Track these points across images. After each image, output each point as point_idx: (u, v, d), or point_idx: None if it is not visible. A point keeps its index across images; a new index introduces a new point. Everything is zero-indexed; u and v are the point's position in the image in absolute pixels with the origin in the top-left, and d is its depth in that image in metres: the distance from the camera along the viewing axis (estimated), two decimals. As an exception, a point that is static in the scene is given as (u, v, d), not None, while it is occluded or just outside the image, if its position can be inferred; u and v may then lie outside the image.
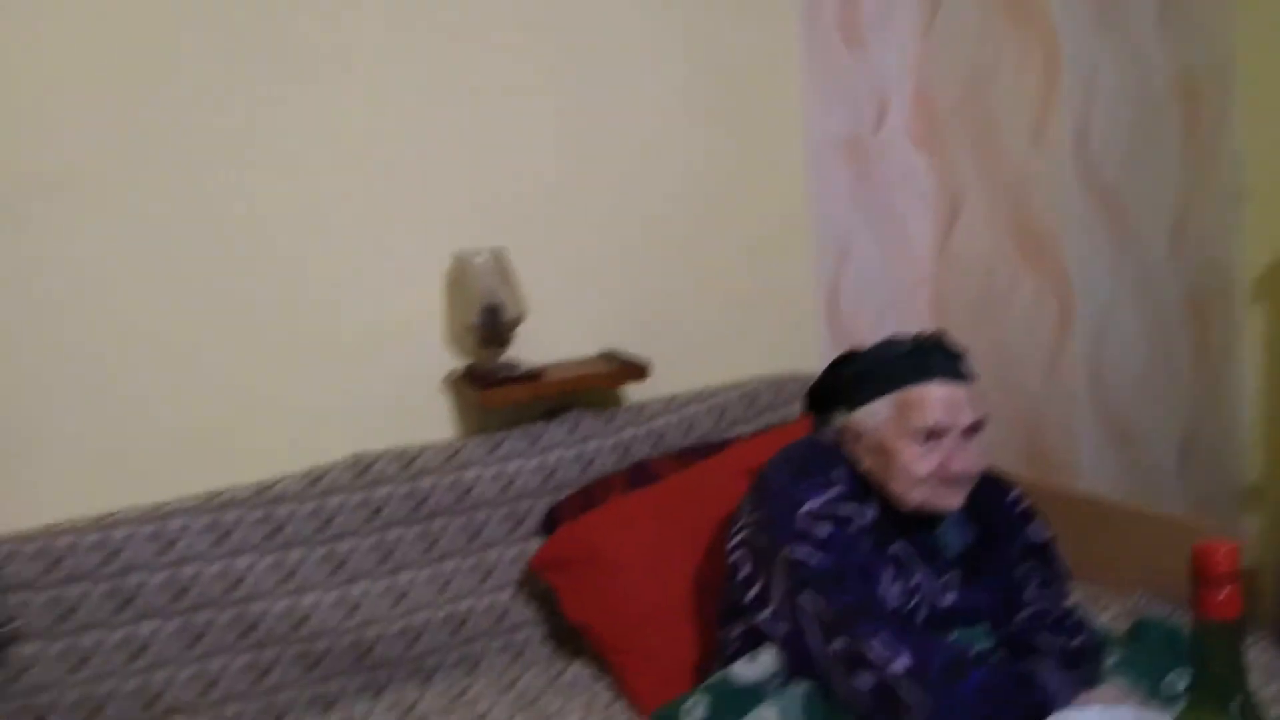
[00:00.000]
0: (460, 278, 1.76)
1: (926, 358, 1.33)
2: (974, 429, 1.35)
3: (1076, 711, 1.03)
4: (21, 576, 1.45)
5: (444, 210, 1.82)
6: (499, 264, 1.75)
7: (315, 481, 1.66)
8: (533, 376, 1.77)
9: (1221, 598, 0.71)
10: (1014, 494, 1.50)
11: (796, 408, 2.07)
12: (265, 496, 1.62)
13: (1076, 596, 1.52)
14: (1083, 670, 1.33)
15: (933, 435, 1.32)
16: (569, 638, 1.74)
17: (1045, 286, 2.11)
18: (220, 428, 1.67)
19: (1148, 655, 1.42)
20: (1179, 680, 1.35)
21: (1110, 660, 1.40)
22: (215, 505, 1.58)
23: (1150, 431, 2.20)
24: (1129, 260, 2.11)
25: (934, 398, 1.32)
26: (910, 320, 2.11)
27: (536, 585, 1.76)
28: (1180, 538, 1.77)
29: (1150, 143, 2.10)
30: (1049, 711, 1.16)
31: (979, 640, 1.35)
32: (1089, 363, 2.12)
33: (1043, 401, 2.13)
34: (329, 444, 1.72)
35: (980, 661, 1.25)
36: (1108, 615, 1.64)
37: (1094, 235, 2.08)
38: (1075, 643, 1.38)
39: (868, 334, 2.00)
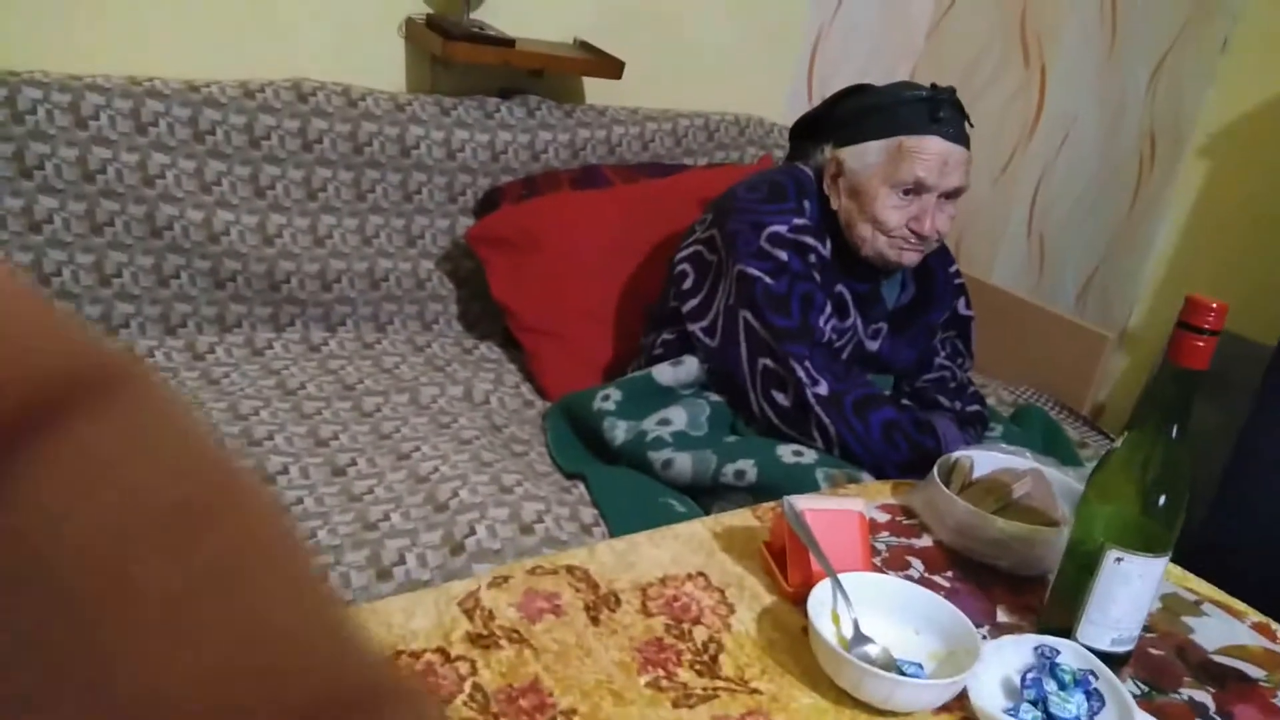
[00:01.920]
0: (447, -92, 1.58)
1: (937, 109, 1.29)
2: (954, 194, 1.34)
3: (977, 449, 1.10)
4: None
5: None
6: (493, -96, 1.58)
7: (251, 94, 1.53)
8: (505, 42, 1.64)
9: (1200, 345, 0.74)
10: (954, 266, 1.53)
11: (754, 151, 2.03)
12: (194, 97, 1.48)
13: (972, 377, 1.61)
14: (971, 433, 1.42)
15: (915, 190, 1.31)
16: (481, 321, 1.73)
17: (1028, 85, 2.08)
18: (155, 9, 1.50)
19: (1026, 437, 1.53)
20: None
21: (993, 433, 1.50)
22: (139, 91, 1.44)
23: (1064, 253, 2.28)
24: (1111, 83, 2.09)
25: (930, 152, 1.29)
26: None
27: (460, 261, 1.72)
28: (1078, 343, 1.91)
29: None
30: (939, 455, 1.24)
31: (885, 388, 1.42)
32: (1039, 171, 2.14)
33: (985, 196, 2.16)
34: (269, 62, 1.58)
35: (888, 403, 1.31)
36: (993, 400, 1.75)
37: (1089, 46, 2.05)
38: (970, 409, 1.47)
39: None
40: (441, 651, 0.73)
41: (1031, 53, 2.10)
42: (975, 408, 1.49)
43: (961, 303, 1.55)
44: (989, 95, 2.13)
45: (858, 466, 1.27)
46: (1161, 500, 0.80)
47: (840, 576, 0.83)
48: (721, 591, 0.87)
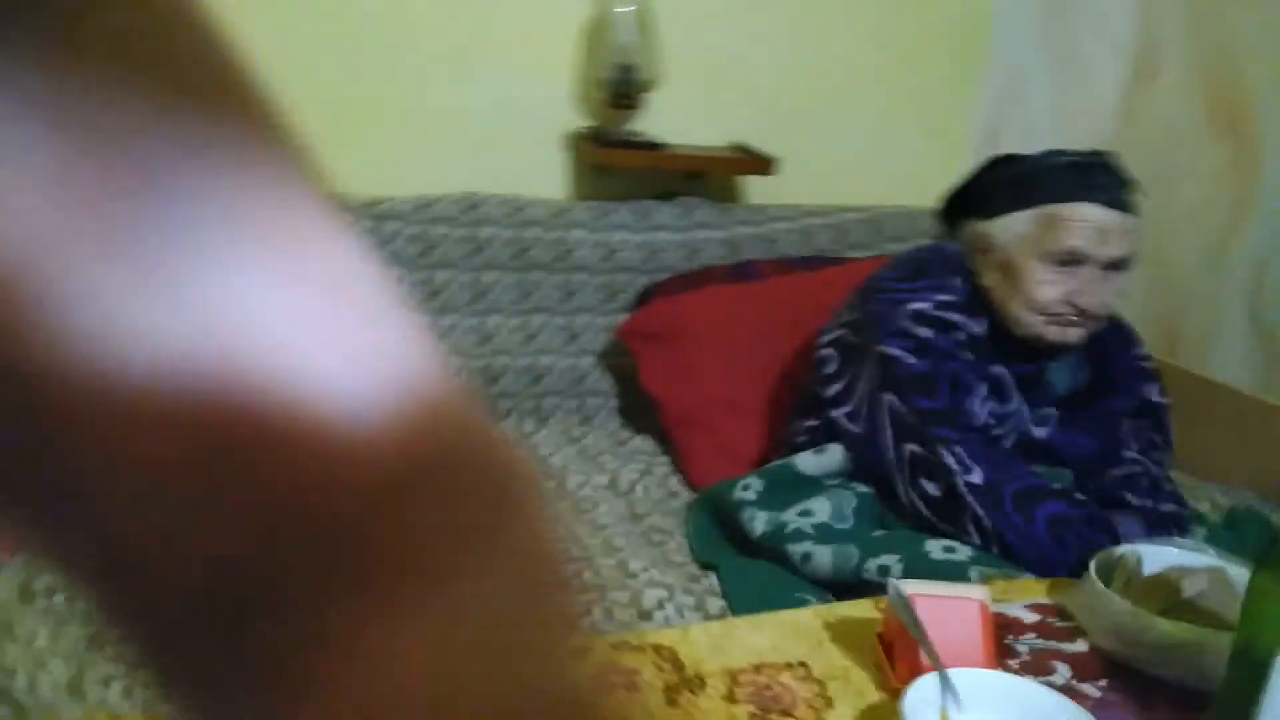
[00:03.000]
0: (599, 28, 1.69)
1: (1088, 174, 1.20)
2: (1117, 265, 1.23)
3: (1146, 544, 0.96)
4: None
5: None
6: (642, 19, 1.67)
7: (424, 207, 1.67)
8: (655, 146, 1.70)
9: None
10: (1141, 349, 1.39)
11: (927, 243, 1.96)
12: (373, 210, 1.63)
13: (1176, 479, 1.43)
14: (1164, 536, 1.25)
15: (1070, 261, 1.21)
16: (639, 415, 1.74)
17: (1230, 165, 1.90)
18: (336, 136, 1.68)
19: (1237, 541, 1.33)
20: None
21: (1194, 536, 1.31)
22: (326, 207, 1.61)
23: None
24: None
25: (1084, 218, 1.19)
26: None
27: (619, 359, 1.75)
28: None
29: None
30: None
31: (1060, 482, 1.28)
32: (1260, 253, 1.92)
33: (1196, 285, 1.96)
34: (440, 178, 1.72)
35: (1058, 496, 1.18)
36: (1205, 506, 1.54)
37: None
38: (1165, 508, 1.30)
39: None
40: None
41: (1238, 125, 1.91)
42: (1171, 508, 1.32)
43: (1153, 389, 1.40)
44: (1196, 173, 1.95)
45: (1018, 567, 1.14)
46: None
47: (950, 672, 0.74)
48: (822, 684, 0.80)
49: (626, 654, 0.80)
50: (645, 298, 1.74)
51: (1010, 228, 1.24)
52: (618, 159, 1.67)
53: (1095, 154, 1.23)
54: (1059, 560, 1.13)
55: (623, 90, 1.67)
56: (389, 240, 1.63)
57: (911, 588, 0.80)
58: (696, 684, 0.78)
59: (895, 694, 0.78)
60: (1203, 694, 0.81)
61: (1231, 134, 1.94)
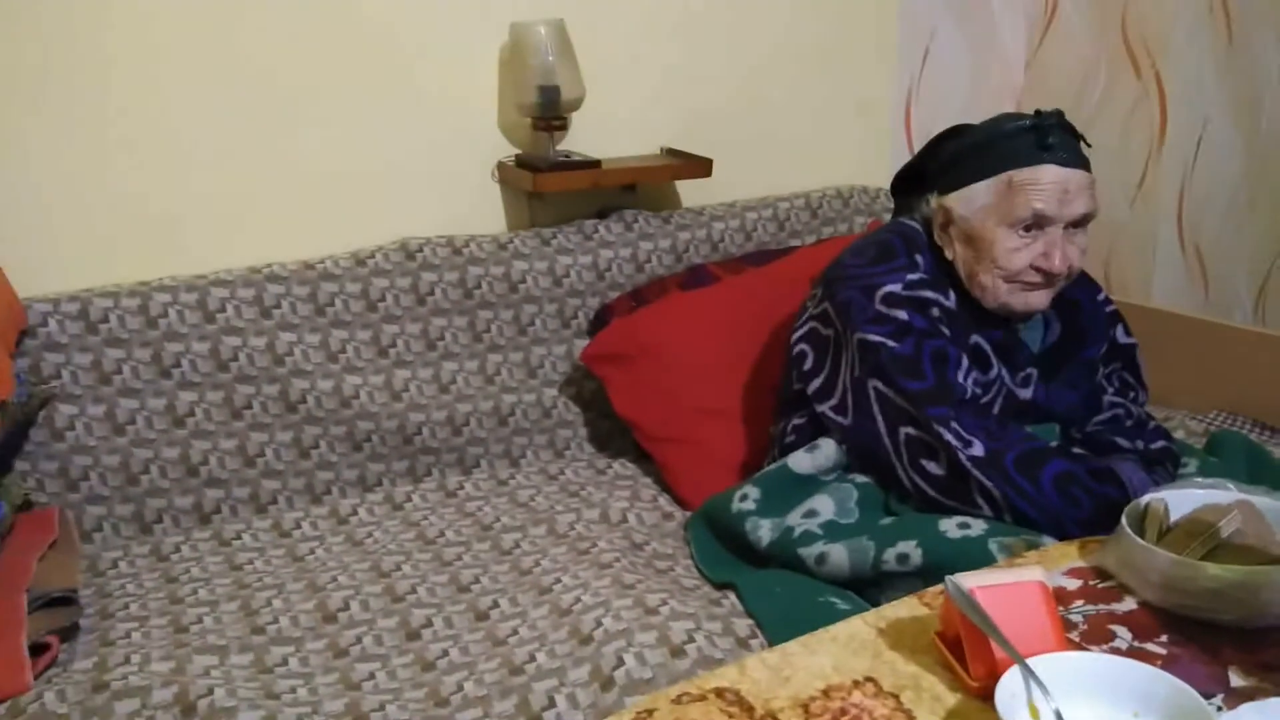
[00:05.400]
0: (517, 51, 1.64)
1: (1045, 136, 1.20)
2: (1082, 221, 1.23)
3: (1169, 489, 0.96)
4: (61, 337, 1.41)
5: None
6: (559, 37, 1.62)
7: (362, 262, 1.60)
8: (591, 164, 1.66)
9: None
10: (1103, 294, 1.40)
11: (861, 220, 1.97)
12: (311, 273, 1.56)
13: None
14: (1161, 473, 1.26)
15: (1036, 224, 1.21)
16: (612, 438, 1.70)
17: (1143, 99, 1.95)
18: (266, 203, 1.60)
19: (1226, 466, 1.35)
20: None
21: (1187, 468, 1.33)
22: (260, 278, 1.53)
23: (1231, 262, 2.07)
24: (1238, 76, 1.93)
25: (1046, 180, 1.19)
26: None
27: (583, 384, 1.71)
28: (1267, 353, 1.70)
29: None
30: (1127, 504, 1.09)
31: (1050, 438, 1.28)
32: (1179, 182, 1.98)
33: (1126, 220, 2.01)
34: (375, 229, 1.65)
35: (1057, 454, 1.18)
36: (1180, 433, 1.57)
37: (1202, 43, 1.90)
38: (1154, 446, 1.31)
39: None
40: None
41: (1141, 63, 1.97)
42: (1161, 444, 1.33)
43: (1120, 330, 1.41)
44: (1105, 115, 2.00)
45: (1035, 531, 1.14)
46: None
47: (1030, 661, 0.72)
48: (895, 697, 0.77)
49: (690, 707, 0.75)
50: (601, 319, 1.70)
51: (971, 199, 1.24)
52: (558, 183, 1.63)
53: (1044, 115, 1.23)
54: (1074, 519, 1.13)
55: (550, 112, 1.63)
56: (329, 303, 1.56)
57: (970, 581, 0.77)
58: (771, 721, 0.74)
59: (972, 694, 0.76)
60: (1267, 631, 0.81)
61: (1136, 72, 1.99)
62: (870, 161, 2.05)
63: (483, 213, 1.76)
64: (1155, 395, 1.51)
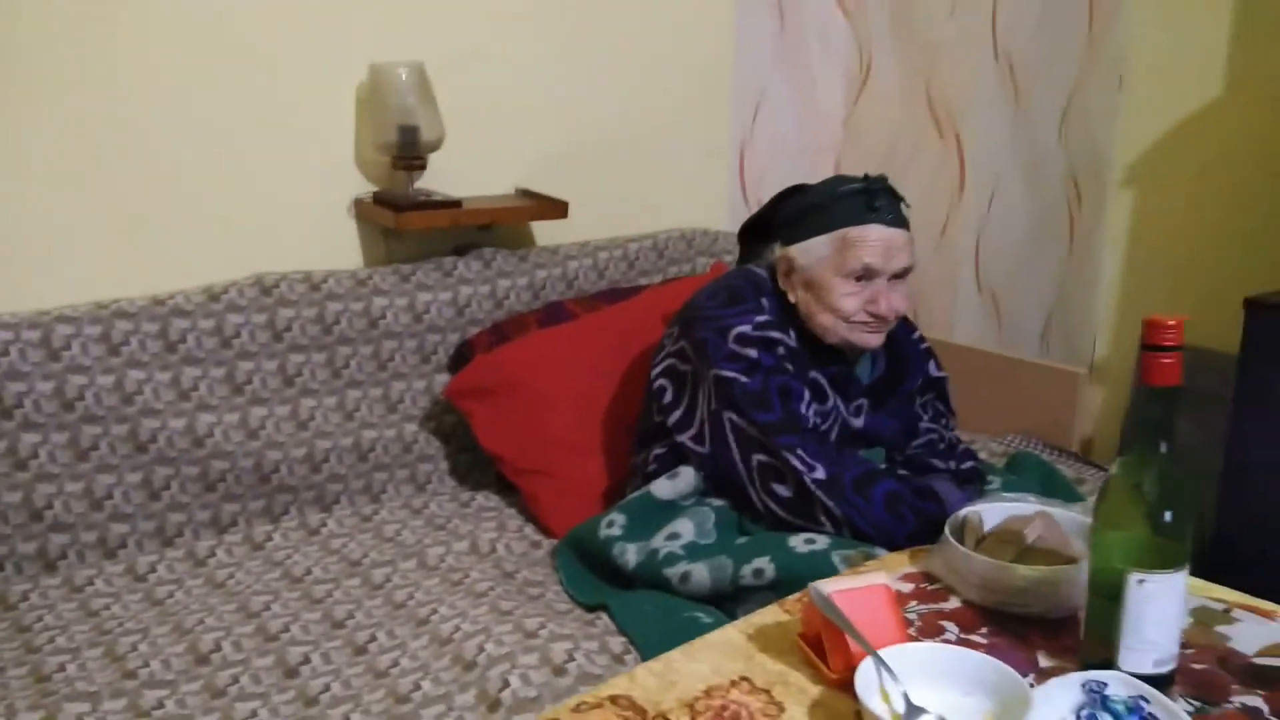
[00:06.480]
0: (377, 92, 1.67)
1: (873, 199, 1.37)
2: (903, 274, 1.40)
3: (982, 504, 1.12)
4: (-116, 376, 1.32)
5: (360, 15, 1.71)
6: (419, 79, 1.67)
7: (215, 298, 1.57)
8: (452, 204, 1.71)
9: (1167, 362, 0.78)
10: (918, 333, 1.58)
11: (704, 260, 2.10)
12: (161, 309, 1.52)
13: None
14: (971, 490, 1.44)
15: (865, 276, 1.37)
16: (473, 472, 1.75)
17: (946, 156, 2.19)
18: (112, 236, 1.55)
19: (1024, 483, 1.55)
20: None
21: (992, 485, 1.52)
22: (107, 314, 1.48)
23: (1020, 301, 2.35)
24: (1023, 138, 2.21)
25: (873, 238, 1.36)
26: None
27: (444, 419, 1.74)
28: (1053, 384, 1.95)
29: (1054, 19, 2.19)
30: (945, 517, 1.25)
31: (878, 461, 1.44)
32: (975, 229, 2.23)
33: (930, 265, 2.24)
34: (228, 265, 1.63)
35: (886, 476, 1.34)
36: (984, 454, 1.78)
37: (995, 109, 2.17)
38: (964, 466, 1.49)
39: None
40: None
41: (944, 125, 2.22)
42: (969, 464, 1.52)
43: (932, 365, 1.60)
44: (913, 169, 2.24)
45: (870, 544, 1.28)
46: (1168, 516, 0.82)
47: (881, 652, 0.83)
48: (767, 692, 0.87)
49: (590, 714, 0.82)
50: (462, 355, 1.74)
51: (811, 251, 1.39)
52: (420, 220, 1.67)
53: (872, 179, 1.39)
54: (901, 532, 1.28)
55: (409, 152, 1.67)
56: (180, 339, 1.53)
57: (828, 587, 0.89)
58: (663, 722, 0.82)
59: (832, 685, 0.87)
60: (1067, 619, 0.96)
61: (939, 133, 2.24)
62: (711, 206, 2.20)
63: (338, 249, 1.77)
64: (961, 421, 1.71)
